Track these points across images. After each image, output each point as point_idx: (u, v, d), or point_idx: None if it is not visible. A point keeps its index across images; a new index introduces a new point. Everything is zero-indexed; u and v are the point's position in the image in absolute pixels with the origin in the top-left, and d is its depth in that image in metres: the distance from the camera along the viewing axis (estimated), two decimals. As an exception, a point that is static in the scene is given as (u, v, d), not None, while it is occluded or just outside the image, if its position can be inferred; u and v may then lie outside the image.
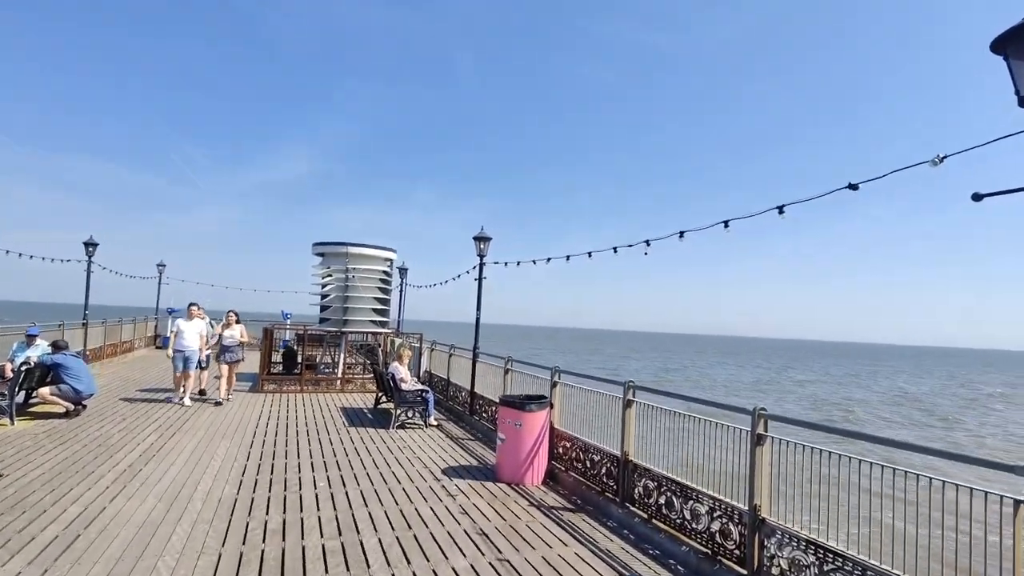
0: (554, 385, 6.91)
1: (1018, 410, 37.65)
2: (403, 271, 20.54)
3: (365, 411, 10.54)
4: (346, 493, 5.69)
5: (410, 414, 9.30)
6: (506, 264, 10.56)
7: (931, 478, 2.99)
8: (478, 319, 10.27)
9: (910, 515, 2.99)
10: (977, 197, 3.09)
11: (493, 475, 6.63)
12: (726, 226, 5.93)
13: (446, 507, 5.41)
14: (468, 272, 11.12)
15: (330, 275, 13.48)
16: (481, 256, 10.40)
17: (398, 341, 14.00)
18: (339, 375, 13.45)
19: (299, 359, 13.58)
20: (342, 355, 14.09)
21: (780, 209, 5.15)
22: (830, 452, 3.54)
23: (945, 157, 3.58)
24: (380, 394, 10.89)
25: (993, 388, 54.41)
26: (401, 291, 20.57)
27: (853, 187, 4.45)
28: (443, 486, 6.12)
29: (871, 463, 3.29)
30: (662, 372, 55.29)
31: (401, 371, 9.51)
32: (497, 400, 7.73)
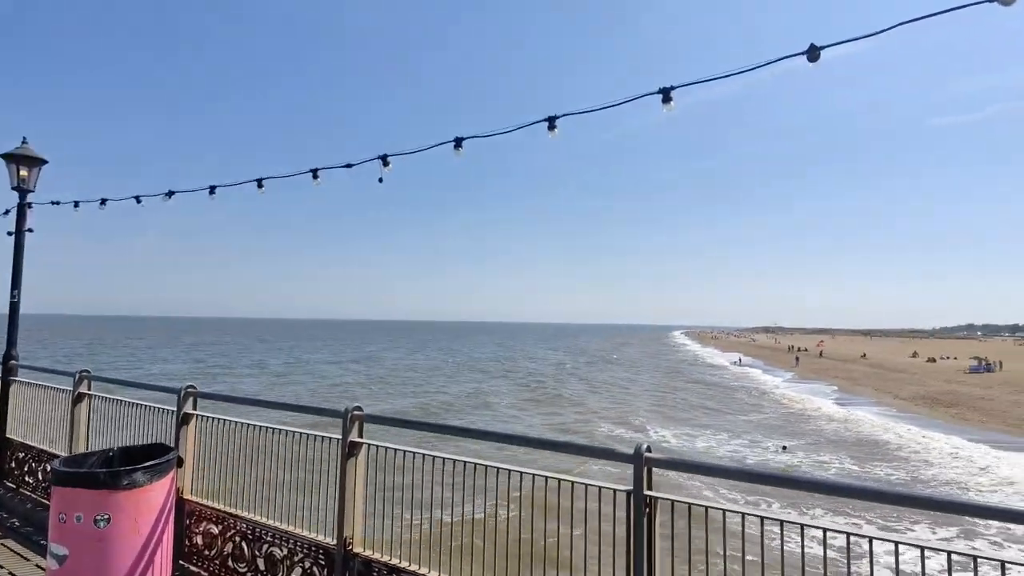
0: (185, 421, 3.77)
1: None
2: None
3: None
4: None
5: None
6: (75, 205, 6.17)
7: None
8: (15, 304, 5.72)
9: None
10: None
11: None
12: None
13: None
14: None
15: None
16: (23, 189, 5.80)
17: None
18: None
19: None
20: None
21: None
22: (431, 456, 2.92)
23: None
24: None
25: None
26: None
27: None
28: None
29: (474, 464, 2.83)
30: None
31: None
32: (58, 459, 3.94)
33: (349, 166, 4.17)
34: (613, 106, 3.15)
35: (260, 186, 4.79)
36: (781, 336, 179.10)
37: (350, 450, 3.12)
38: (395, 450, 3.04)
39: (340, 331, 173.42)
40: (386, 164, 3.98)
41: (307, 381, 37.27)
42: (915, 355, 71.31)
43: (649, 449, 2.42)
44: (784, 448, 20.21)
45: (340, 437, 3.13)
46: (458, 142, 3.82)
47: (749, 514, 2.23)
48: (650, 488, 2.38)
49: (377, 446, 3.09)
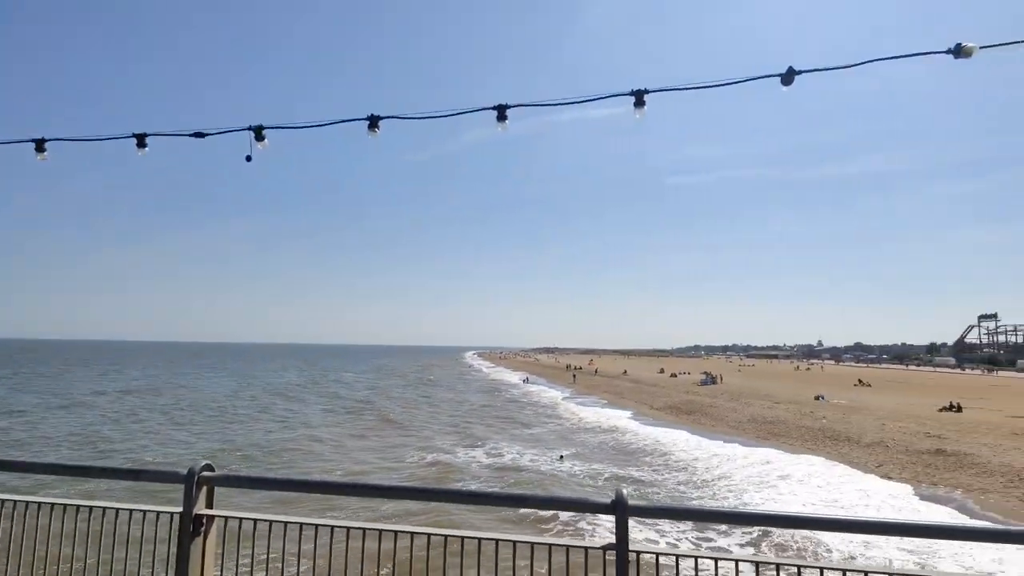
0: None
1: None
2: None
3: None
4: None
5: None
6: None
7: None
8: None
9: None
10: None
11: None
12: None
13: None
14: None
15: None
16: None
17: None
18: None
19: None
20: None
21: None
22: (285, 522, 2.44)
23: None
24: None
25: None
26: None
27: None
28: None
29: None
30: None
31: None
32: None
33: (200, 135, 3.43)
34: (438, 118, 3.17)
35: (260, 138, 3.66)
36: (560, 356, 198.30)
37: (196, 526, 2.41)
38: (267, 522, 2.39)
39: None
40: (260, 139, 3.37)
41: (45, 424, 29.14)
42: (662, 371, 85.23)
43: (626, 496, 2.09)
44: (561, 458, 22.30)
45: (179, 511, 2.42)
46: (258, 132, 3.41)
47: (747, 560, 2.07)
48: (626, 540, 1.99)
49: (240, 519, 2.43)
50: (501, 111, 3.18)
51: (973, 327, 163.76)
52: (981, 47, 2.69)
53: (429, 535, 2.28)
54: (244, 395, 46.56)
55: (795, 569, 2.02)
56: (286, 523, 2.40)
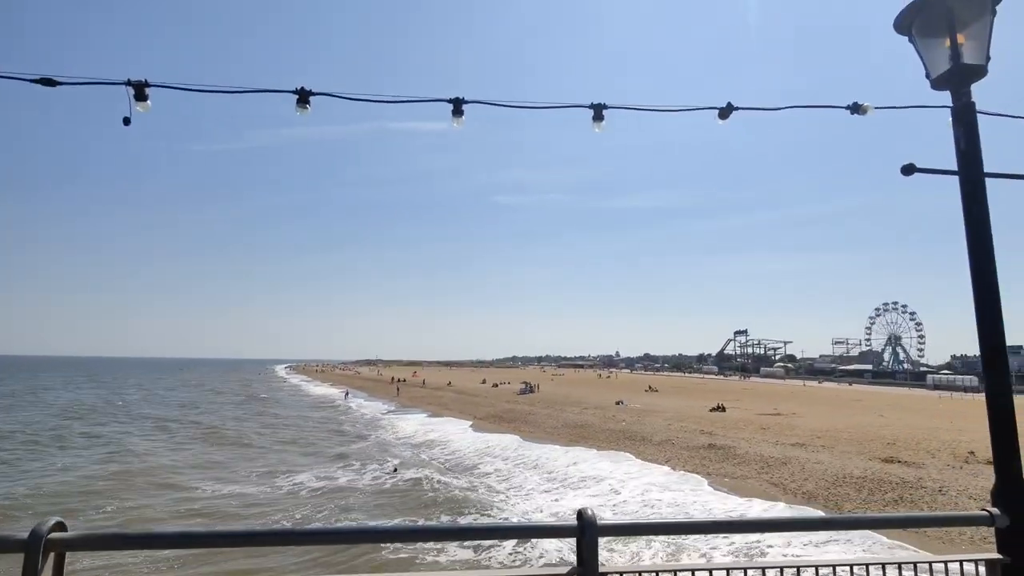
0: None
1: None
2: None
3: None
4: None
5: None
6: None
7: None
8: None
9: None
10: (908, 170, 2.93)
11: None
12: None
13: None
14: None
15: None
16: None
17: None
18: None
19: None
20: None
21: None
22: None
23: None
24: None
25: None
26: None
27: None
28: None
29: None
30: None
31: None
32: None
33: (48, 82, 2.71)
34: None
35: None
36: (383, 368, 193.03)
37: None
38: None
39: None
40: (142, 98, 2.77)
41: None
42: (484, 381, 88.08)
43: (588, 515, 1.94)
44: (395, 470, 21.89)
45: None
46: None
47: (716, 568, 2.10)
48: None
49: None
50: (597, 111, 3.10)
51: (731, 340, 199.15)
52: (876, 107, 3.34)
53: None
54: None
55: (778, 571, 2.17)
56: None
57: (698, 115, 3.44)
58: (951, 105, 2.85)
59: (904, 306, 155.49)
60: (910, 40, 2.93)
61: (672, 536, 12.67)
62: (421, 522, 15.10)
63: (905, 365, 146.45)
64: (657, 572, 2.16)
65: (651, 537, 12.59)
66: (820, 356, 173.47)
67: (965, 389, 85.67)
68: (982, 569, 2.50)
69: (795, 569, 2.35)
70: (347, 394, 69.89)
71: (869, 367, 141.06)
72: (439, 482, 20.04)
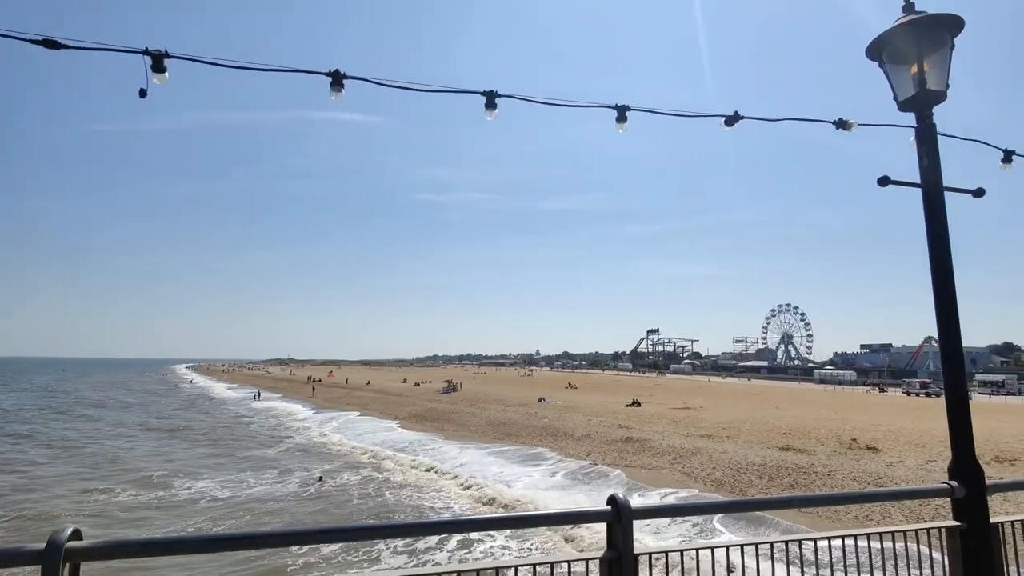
0: None
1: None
2: None
3: None
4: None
5: None
6: None
7: None
8: None
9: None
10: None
11: None
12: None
13: None
14: None
15: None
16: None
17: None
18: None
19: None
20: None
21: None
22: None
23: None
24: None
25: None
26: None
27: None
28: None
29: None
30: None
31: None
32: None
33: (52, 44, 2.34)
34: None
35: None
36: (295, 368, 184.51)
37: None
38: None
39: None
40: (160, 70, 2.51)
41: None
42: (405, 380, 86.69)
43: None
44: (320, 479, 21.05)
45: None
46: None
47: (747, 544, 2.23)
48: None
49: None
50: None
51: (643, 339, 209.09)
52: (860, 124, 3.67)
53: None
54: None
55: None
56: None
57: (610, 122, 3.41)
58: (915, 126, 3.29)
59: (796, 307, 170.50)
60: (880, 66, 3.24)
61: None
62: (446, 516, 14.93)
63: (796, 361, 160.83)
64: (682, 551, 2.23)
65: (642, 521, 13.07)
66: (723, 353, 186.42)
67: (841, 383, 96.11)
68: (944, 534, 3.03)
69: (784, 543, 2.79)
70: (257, 395, 66.25)
71: (765, 363, 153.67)
72: (374, 488, 19.59)
